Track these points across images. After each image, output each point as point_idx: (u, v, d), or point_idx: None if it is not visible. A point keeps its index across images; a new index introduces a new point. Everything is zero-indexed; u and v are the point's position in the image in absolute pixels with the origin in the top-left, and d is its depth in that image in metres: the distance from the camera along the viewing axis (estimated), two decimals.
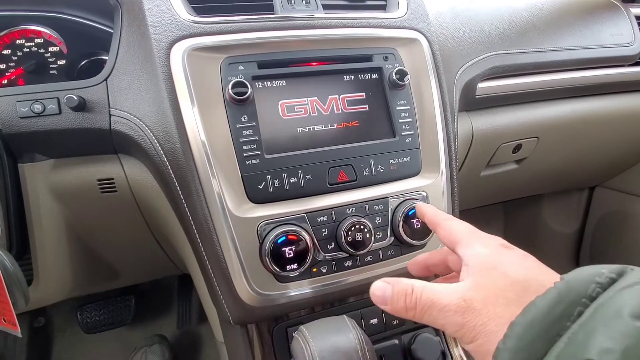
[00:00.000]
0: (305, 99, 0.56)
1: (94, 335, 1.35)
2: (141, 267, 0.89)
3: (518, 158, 0.95)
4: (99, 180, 0.60)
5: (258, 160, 0.53)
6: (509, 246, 0.34)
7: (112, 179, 0.60)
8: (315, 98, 0.57)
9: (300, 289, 0.54)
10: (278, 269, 0.50)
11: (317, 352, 0.38)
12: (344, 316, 0.44)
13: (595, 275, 0.26)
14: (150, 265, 0.89)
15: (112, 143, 0.58)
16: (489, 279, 0.31)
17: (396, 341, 0.60)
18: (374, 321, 0.59)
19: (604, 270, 0.26)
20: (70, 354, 1.37)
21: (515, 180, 1.08)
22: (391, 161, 0.59)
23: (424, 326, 0.62)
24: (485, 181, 1.00)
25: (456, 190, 0.64)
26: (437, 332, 0.63)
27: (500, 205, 1.67)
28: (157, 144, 0.53)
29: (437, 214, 0.44)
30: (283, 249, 0.51)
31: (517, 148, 0.90)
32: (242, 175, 0.52)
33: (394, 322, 0.60)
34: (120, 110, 0.56)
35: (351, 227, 0.53)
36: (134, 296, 1.32)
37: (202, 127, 0.51)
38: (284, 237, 0.51)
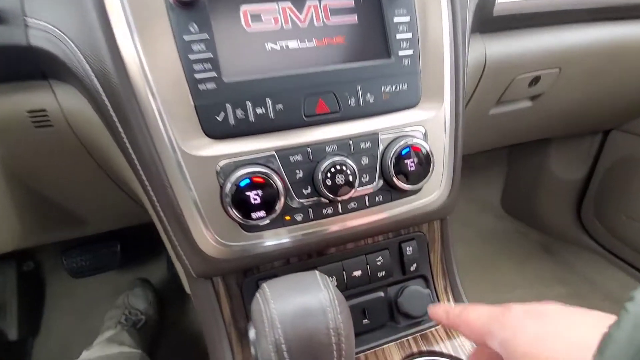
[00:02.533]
0: (274, 3, 0.44)
1: (85, 280, 1.35)
2: (110, 213, 0.83)
3: (534, 94, 0.83)
4: (30, 111, 0.49)
5: (214, 85, 0.42)
6: (531, 313, 0.29)
7: (44, 109, 0.49)
8: (289, 4, 0.44)
9: (271, 240, 0.46)
10: (243, 217, 0.42)
11: (277, 315, 0.31)
12: (315, 272, 0.36)
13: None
14: (120, 211, 0.81)
15: (37, 65, 0.47)
16: None
17: (381, 294, 0.55)
18: (357, 273, 0.53)
19: None
20: (62, 297, 1.37)
21: (527, 121, 0.97)
22: (384, 88, 0.48)
23: (413, 278, 0.56)
24: (494, 121, 0.89)
25: (461, 128, 0.54)
26: (427, 284, 0.58)
27: (503, 151, 1.57)
28: (86, 64, 0.41)
29: (449, 312, 0.38)
30: (247, 193, 0.42)
31: (535, 81, 0.78)
32: (195, 105, 0.42)
33: (379, 274, 0.54)
34: (38, 20, 0.43)
35: (331, 168, 0.44)
36: (119, 242, 1.29)
37: (138, 41, 0.39)
38: (247, 180, 0.42)
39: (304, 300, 0.32)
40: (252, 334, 0.32)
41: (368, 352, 0.53)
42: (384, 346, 0.53)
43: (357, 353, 0.52)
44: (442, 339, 0.54)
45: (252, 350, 0.32)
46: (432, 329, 0.56)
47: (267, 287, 0.34)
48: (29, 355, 1.26)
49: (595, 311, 0.28)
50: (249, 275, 0.50)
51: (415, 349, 0.53)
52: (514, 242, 1.49)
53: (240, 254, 0.46)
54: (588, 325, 0.26)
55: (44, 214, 0.68)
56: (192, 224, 0.44)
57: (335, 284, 0.51)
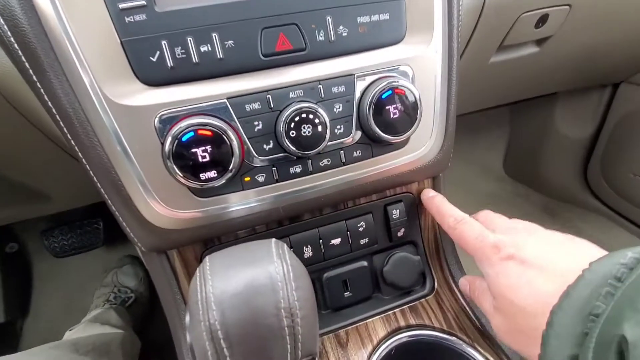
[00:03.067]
0: None
1: (72, 259, 1.31)
2: (75, 187, 0.75)
3: (541, 36, 0.73)
4: None
5: (144, 16, 0.33)
6: (516, 258, 0.34)
7: None
8: None
9: (229, 206, 0.39)
10: (190, 179, 0.35)
11: (215, 295, 0.24)
12: (271, 240, 0.30)
13: (620, 257, 0.27)
14: (86, 184, 0.74)
15: None
16: (503, 312, 0.34)
17: (365, 263, 0.48)
18: (336, 241, 0.46)
19: (629, 252, 0.27)
20: (50, 278, 1.34)
21: (532, 72, 0.88)
22: (360, 19, 0.39)
23: (401, 245, 0.50)
24: (495, 72, 0.80)
25: (455, 67, 0.45)
26: (417, 250, 0.51)
27: (506, 111, 1.48)
28: None
29: (443, 214, 0.44)
30: (193, 150, 0.34)
31: (542, 20, 0.68)
32: (121, 41, 0.33)
33: (362, 242, 0.47)
34: None
35: (295, 116, 0.37)
36: (102, 219, 1.23)
37: None
38: (191, 134, 0.34)
39: (250, 275, 0.25)
40: (187, 318, 0.26)
41: (349, 328, 0.47)
42: (368, 321, 0.48)
43: (337, 329, 0.47)
44: (432, 311, 0.49)
45: (187, 338, 0.26)
46: (422, 300, 0.50)
47: (208, 260, 0.28)
48: (19, 336, 1.23)
49: (577, 247, 0.33)
50: (209, 246, 0.43)
51: (402, 323, 0.47)
52: (515, 205, 1.43)
53: (194, 223, 0.39)
54: (558, 274, 0.30)
55: None
56: (133, 190, 0.37)
57: (311, 254, 0.46)
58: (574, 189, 1.34)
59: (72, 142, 0.36)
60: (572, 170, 1.32)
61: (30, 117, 0.49)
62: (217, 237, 0.43)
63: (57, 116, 0.35)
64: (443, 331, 0.46)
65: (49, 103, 0.35)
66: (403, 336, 0.45)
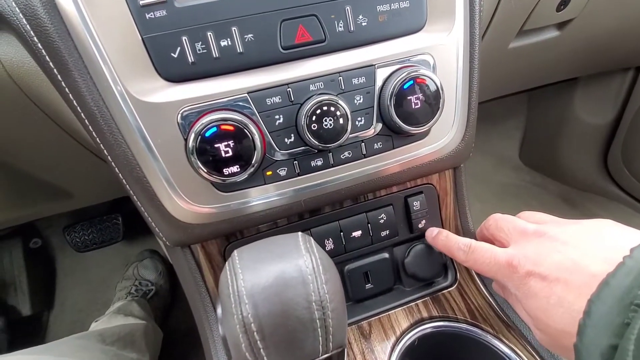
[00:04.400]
0: None
1: (94, 253, 1.34)
2: (95, 184, 0.77)
3: (562, 20, 0.70)
4: None
5: (165, 12, 0.34)
6: (534, 275, 0.32)
7: None
8: None
9: (251, 200, 0.39)
10: (213, 174, 0.35)
11: (246, 288, 0.25)
12: (298, 234, 0.30)
13: None
14: (106, 181, 0.76)
15: None
16: (544, 332, 0.32)
17: (386, 255, 0.48)
18: (357, 234, 0.46)
19: None
20: (74, 272, 1.38)
21: (553, 56, 0.85)
22: (380, 8, 0.38)
23: (422, 236, 0.50)
24: (514, 57, 0.78)
25: (477, 56, 0.44)
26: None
27: (523, 97, 1.44)
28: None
29: (453, 247, 0.42)
30: (216, 145, 0.35)
31: (564, 3, 0.65)
32: (142, 37, 0.34)
33: (383, 234, 0.47)
34: None
35: (317, 109, 0.36)
36: (121, 214, 1.26)
37: None
38: (214, 129, 0.34)
39: (280, 269, 0.26)
40: (219, 311, 0.26)
41: (372, 319, 0.47)
42: (390, 312, 0.48)
43: (359, 321, 0.47)
44: (456, 302, 0.48)
45: (220, 330, 0.26)
46: (445, 291, 0.50)
47: (237, 254, 0.28)
48: (45, 328, 1.28)
49: (600, 237, 0.31)
50: (232, 241, 0.44)
51: (425, 314, 0.47)
52: (532, 195, 1.40)
53: (217, 217, 0.39)
54: (587, 282, 0.28)
55: (17, 189, 0.63)
56: (157, 186, 0.38)
57: (332, 246, 0.46)
58: (594, 177, 1.30)
59: (98, 139, 0.37)
60: (592, 158, 1.28)
61: (53, 115, 0.50)
62: (239, 231, 0.44)
63: (82, 114, 0.36)
64: (467, 322, 0.46)
65: (74, 102, 0.36)
66: (426, 327, 0.45)
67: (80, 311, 1.30)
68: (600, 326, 0.25)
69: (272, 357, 0.24)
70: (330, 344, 0.25)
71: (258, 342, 0.24)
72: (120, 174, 0.38)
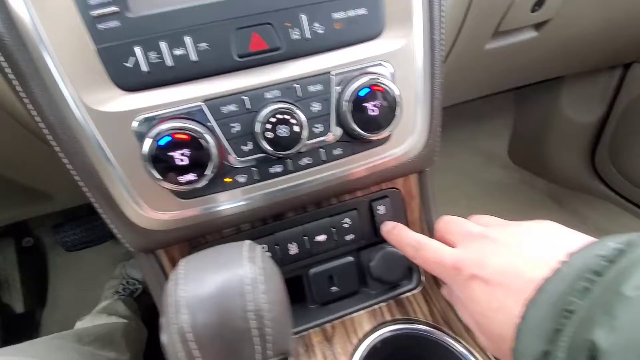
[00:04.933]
0: None
1: (85, 252, 1.36)
2: (74, 186, 0.77)
3: (539, 20, 0.70)
4: None
5: (118, 22, 0.34)
6: (478, 278, 0.32)
7: None
8: None
9: (211, 207, 0.40)
10: (169, 182, 0.36)
11: (185, 298, 0.25)
12: (245, 242, 0.30)
13: (600, 248, 0.25)
14: None
15: None
16: (487, 337, 0.32)
17: (351, 258, 0.49)
18: (321, 238, 0.47)
19: (610, 242, 0.25)
20: (65, 270, 1.39)
21: (533, 57, 0.85)
22: (335, 15, 0.38)
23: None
24: (492, 59, 0.78)
25: (439, 60, 0.44)
26: None
27: (511, 96, 1.44)
28: None
29: (402, 245, 0.42)
30: (170, 153, 0.35)
31: (539, 3, 0.65)
32: (96, 48, 0.34)
33: (347, 238, 0.48)
34: None
35: (271, 117, 0.37)
36: None
37: None
38: (168, 137, 0.35)
39: (220, 279, 0.26)
40: (162, 320, 0.27)
41: (335, 322, 0.48)
42: (354, 315, 0.49)
43: (323, 324, 0.48)
44: (419, 305, 0.49)
45: (161, 338, 0.27)
46: (409, 294, 0.50)
47: (182, 264, 0.29)
48: (38, 326, 1.30)
49: (547, 240, 0.30)
50: (195, 246, 0.45)
51: (388, 317, 0.48)
52: (520, 193, 1.41)
53: (178, 224, 0.40)
54: (527, 287, 0.27)
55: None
56: (117, 193, 0.38)
57: (297, 250, 0.46)
58: (581, 176, 1.31)
59: (57, 148, 0.37)
60: (579, 156, 1.28)
61: (23, 122, 0.50)
62: (202, 236, 0.44)
63: (42, 124, 0.36)
64: (428, 325, 0.47)
65: (34, 112, 0.36)
66: (387, 330, 0.46)
67: (71, 309, 1.32)
68: (534, 332, 0.25)
69: None
70: (269, 352, 0.26)
71: (195, 351, 0.25)
72: (80, 181, 0.39)
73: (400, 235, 0.43)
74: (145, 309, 1.12)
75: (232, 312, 0.25)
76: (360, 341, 0.45)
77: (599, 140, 1.24)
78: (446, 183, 1.43)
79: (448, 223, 0.39)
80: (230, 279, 0.26)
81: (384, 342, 0.45)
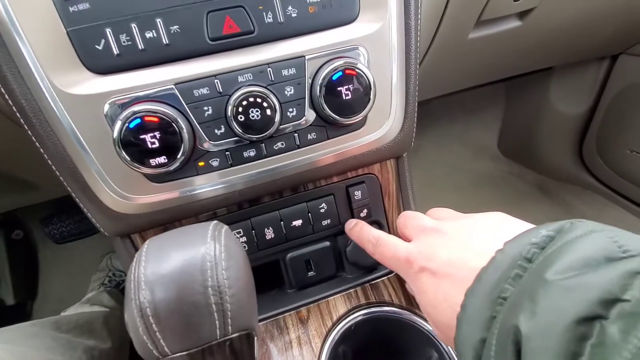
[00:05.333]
0: None
1: (75, 245, 1.36)
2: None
3: (522, 9, 0.70)
4: None
5: (88, 4, 0.34)
6: (427, 272, 0.33)
7: None
8: None
9: (185, 191, 0.40)
10: (140, 166, 0.36)
11: (146, 275, 0.26)
12: (211, 223, 0.31)
13: (533, 236, 0.26)
14: None
15: None
16: (439, 329, 0.33)
17: (328, 243, 0.49)
18: (297, 223, 0.47)
19: (543, 230, 0.26)
20: (56, 262, 1.39)
21: (518, 46, 0.85)
22: None
23: None
24: (475, 48, 0.78)
25: (415, 45, 0.44)
26: (381, 229, 0.52)
27: (501, 87, 1.44)
28: None
29: (363, 242, 0.43)
30: (141, 137, 0.35)
31: None
32: (67, 30, 0.34)
33: (324, 223, 0.48)
34: None
35: (243, 100, 0.37)
36: None
37: None
38: (138, 120, 0.35)
39: (181, 256, 0.27)
40: (125, 300, 0.27)
41: (311, 305, 0.49)
42: (330, 298, 0.49)
43: (298, 307, 0.49)
44: (394, 289, 0.50)
45: (125, 316, 0.27)
46: (384, 278, 0.51)
47: (147, 243, 0.29)
48: (29, 317, 1.30)
49: (490, 232, 0.31)
50: (170, 229, 0.45)
51: (363, 300, 0.49)
52: (509, 185, 1.42)
53: (151, 207, 0.40)
54: (469, 277, 0.27)
55: None
56: (89, 177, 0.38)
57: (273, 235, 0.47)
58: (569, 167, 1.32)
59: (29, 132, 0.37)
60: (568, 148, 1.29)
61: (3, 109, 0.50)
62: (177, 220, 0.44)
63: (14, 107, 0.36)
64: (401, 307, 0.47)
65: (6, 96, 0.36)
66: (361, 313, 0.47)
67: (62, 301, 1.32)
68: (473, 320, 0.25)
69: (168, 340, 0.25)
70: (229, 327, 0.27)
71: (153, 325, 0.25)
72: (53, 166, 0.39)
73: (360, 232, 0.44)
74: None
75: (191, 287, 0.26)
76: (335, 324, 0.46)
77: (586, 132, 1.25)
78: (437, 174, 1.44)
79: (406, 218, 0.39)
80: (193, 257, 0.27)
81: (358, 325, 0.46)
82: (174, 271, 0.26)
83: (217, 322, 0.26)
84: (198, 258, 0.27)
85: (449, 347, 0.45)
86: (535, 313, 0.21)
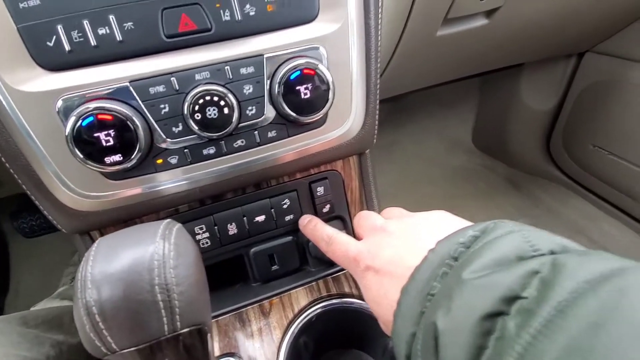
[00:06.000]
0: None
1: (48, 239, 1.33)
2: None
3: (489, 7, 0.72)
4: None
5: (38, 0, 0.33)
6: (371, 270, 0.34)
7: None
8: None
9: (143, 188, 0.40)
10: (94, 164, 0.36)
11: (93, 275, 0.26)
12: (164, 221, 0.31)
13: (461, 236, 0.27)
14: None
15: None
16: (382, 324, 0.34)
17: (291, 238, 0.51)
18: (260, 218, 0.48)
19: (470, 230, 0.27)
20: (28, 257, 1.36)
21: (486, 44, 0.87)
22: None
23: (328, 220, 0.52)
24: (444, 45, 0.79)
25: (375, 44, 0.45)
26: (344, 224, 0.53)
27: (476, 81, 1.47)
28: None
29: (317, 240, 0.44)
30: (95, 134, 0.35)
31: None
32: (17, 27, 0.33)
33: (287, 218, 0.49)
34: None
35: (199, 99, 0.37)
36: None
37: None
38: (91, 118, 0.35)
39: (130, 255, 0.27)
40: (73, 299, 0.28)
41: (274, 298, 0.50)
42: (292, 291, 0.51)
43: (261, 300, 0.50)
44: (354, 281, 0.51)
45: (74, 315, 0.28)
46: (345, 271, 0.53)
47: (96, 243, 0.29)
48: (1, 312, 1.27)
49: (429, 230, 0.33)
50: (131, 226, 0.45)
51: (324, 292, 0.50)
52: (481, 178, 1.46)
53: (110, 205, 0.40)
54: (406, 274, 0.29)
55: None
56: (43, 174, 0.38)
57: (236, 231, 0.48)
58: (537, 161, 1.37)
59: None
60: (536, 142, 1.34)
61: None
62: (138, 217, 0.45)
63: None
64: (360, 298, 0.49)
65: None
66: (322, 305, 0.48)
67: (34, 296, 1.30)
68: (406, 316, 0.27)
69: (115, 337, 0.26)
70: (178, 323, 0.27)
71: (100, 323, 0.26)
72: (7, 164, 0.38)
73: (314, 230, 0.45)
74: None
75: (139, 286, 0.26)
76: (296, 316, 0.48)
77: (554, 128, 1.30)
78: (413, 168, 1.47)
79: (360, 218, 0.41)
80: (141, 255, 0.27)
81: (320, 316, 0.48)
82: (122, 270, 0.26)
83: (164, 318, 0.27)
84: (146, 257, 0.27)
85: None
86: (450, 310, 0.23)
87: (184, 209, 0.46)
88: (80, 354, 0.72)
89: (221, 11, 0.38)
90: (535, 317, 0.19)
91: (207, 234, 0.46)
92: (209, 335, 0.31)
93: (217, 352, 0.46)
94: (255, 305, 0.49)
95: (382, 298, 0.32)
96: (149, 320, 0.26)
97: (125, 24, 0.35)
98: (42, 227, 1.22)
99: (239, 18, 0.38)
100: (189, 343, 0.29)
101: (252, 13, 0.39)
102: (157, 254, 0.27)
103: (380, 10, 0.45)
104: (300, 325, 0.46)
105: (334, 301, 0.49)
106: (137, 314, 0.26)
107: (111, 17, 0.35)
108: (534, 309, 0.19)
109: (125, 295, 0.26)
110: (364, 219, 0.40)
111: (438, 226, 0.33)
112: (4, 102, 0.35)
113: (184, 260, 0.29)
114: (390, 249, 0.33)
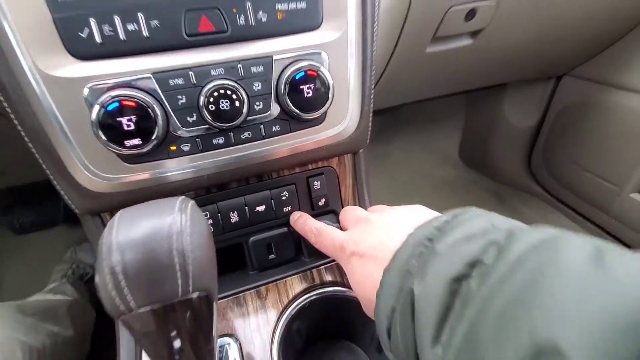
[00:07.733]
0: None
1: (37, 236, 1.32)
2: (27, 162, 0.77)
3: (473, 29, 0.79)
4: None
5: None
6: (356, 255, 0.38)
7: None
8: None
9: (156, 172, 0.44)
10: (115, 146, 0.39)
11: (117, 241, 0.29)
12: (180, 197, 0.35)
13: (435, 222, 0.31)
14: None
15: None
16: (365, 307, 0.38)
17: (287, 229, 0.54)
18: (260, 208, 0.52)
19: (443, 216, 0.31)
20: (15, 254, 1.35)
21: (472, 62, 0.94)
22: (278, 6, 0.43)
23: (323, 214, 0.56)
24: (433, 61, 0.86)
25: (370, 54, 0.50)
26: (337, 218, 0.57)
27: (463, 98, 1.56)
28: None
29: (306, 233, 0.48)
30: (118, 119, 0.39)
31: (471, 14, 0.74)
32: (53, 17, 0.37)
33: (285, 210, 0.53)
34: None
35: (214, 92, 0.41)
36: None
37: None
38: (116, 104, 0.38)
39: (151, 224, 0.30)
40: (96, 264, 0.31)
41: (270, 285, 0.53)
42: (287, 279, 0.54)
43: (258, 286, 0.53)
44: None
45: (96, 278, 0.31)
46: (337, 262, 0.56)
47: (119, 214, 0.33)
48: None
49: (408, 220, 0.36)
50: None
51: (317, 280, 0.54)
52: (467, 191, 1.52)
53: (124, 187, 0.43)
54: (388, 257, 0.32)
55: None
56: (65, 156, 0.41)
57: (237, 219, 0.51)
58: (519, 176, 1.44)
59: (8, 109, 0.40)
60: (518, 158, 1.42)
61: None
62: (148, 199, 0.47)
63: None
64: (349, 286, 0.53)
65: None
66: (316, 293, 0.52)
67: (21, 293, 1.28)
68: (387, 294, 0.30)
69: (135, 296, 0.29)
70: (190, 287, 0.31)
71: (121, 282, 0.28)
72: (29, 143, 0.41)
73: (304, 224, 0.49)
74: (94, 293, 1.11)
75: (158, 251, 0.29)
76: (291, 301, 0.51)
77: (534, 144, 1.38)
78: (403, 179, 1.53)
79: (345, 211, 0.45)
80: (160, 225, 0.30)
81: (312, 302, 0.51)
82: (143, 237, 0.30)
83: (179, 280, 0.30)
84: (165, 226, 0.30)
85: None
86: (425, 277, 0.27)
87: (190, 196, 0.50)
88: (73, 348, 0.73)
89: (237, 16, 0.42)
90: (491, 276, 0.23)
91: (210, 221, 0.50)
92: (215, 304, 0.34)
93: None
94: (252, 290, 0.52)
95: (365, 279, 0.35)
96: (165, 281, 0.30)
97: (151, 22, 0.39)
98: (33, 224, 1.22)
99: (253, 23, 0.43)
100: (197, 307, 0.32)
101: (264, 19, 0.43)
102: (175, 223, 0.31)
103: (376, 23, 0.51)
104: (295, 309, 0.49)
105: (327, 289, 0.52)
106: (156, 275, 0.29)
107: (140, 15, 0.39)
108: (490, 271, 0.24)
109: (146, 258, 0.29)
110: (349, 212, 0.44)
111: (416, 216, 0.36)
112: (35, 86, 0.38)
113: (198, 230, 0.32)
114: (373, 236, 0.37)
